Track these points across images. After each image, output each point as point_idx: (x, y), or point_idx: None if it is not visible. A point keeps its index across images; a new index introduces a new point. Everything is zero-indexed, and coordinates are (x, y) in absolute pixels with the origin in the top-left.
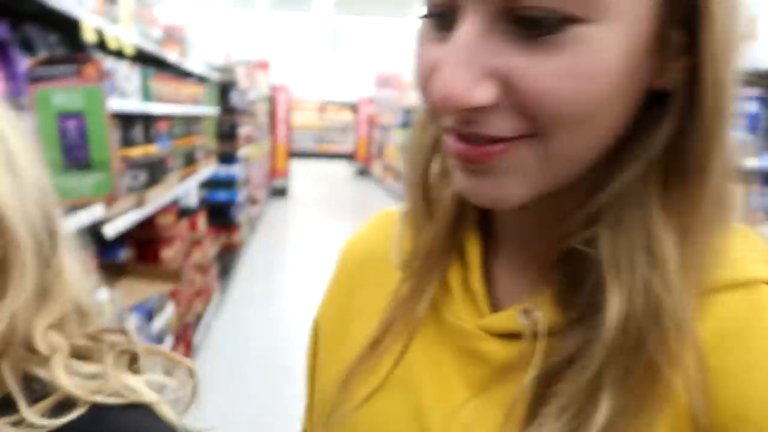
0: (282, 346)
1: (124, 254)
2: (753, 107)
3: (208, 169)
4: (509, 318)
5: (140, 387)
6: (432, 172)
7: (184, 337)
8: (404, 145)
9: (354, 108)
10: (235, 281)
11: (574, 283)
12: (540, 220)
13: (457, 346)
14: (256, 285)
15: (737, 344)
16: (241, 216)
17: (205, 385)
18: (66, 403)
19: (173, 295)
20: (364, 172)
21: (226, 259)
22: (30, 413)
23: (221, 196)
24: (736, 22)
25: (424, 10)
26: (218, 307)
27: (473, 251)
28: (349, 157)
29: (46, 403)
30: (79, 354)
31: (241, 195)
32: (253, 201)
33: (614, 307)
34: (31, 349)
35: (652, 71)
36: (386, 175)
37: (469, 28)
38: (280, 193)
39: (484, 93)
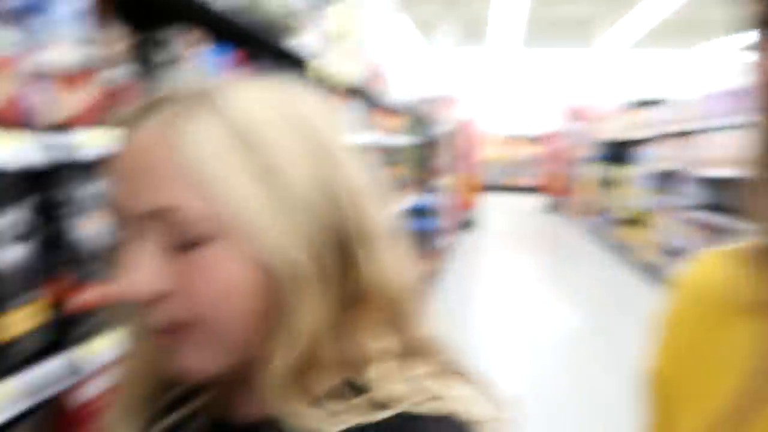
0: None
1: None
2: None
3: (410, 198)
4: None
5: (463, 399)
6: None
7: None
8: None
9: (540, 141)
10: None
11: None
12: None
13: None
14: (450, 314)
15: None
16: (439, 244)
17: None
18: (380, 404)
19: None
20: (553, 207)
21: (427, 286)
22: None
23: (422, 224)
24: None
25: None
26: None
27: None
28: (536, 190)
29: (363, 400)
30: (403, 355)
31: (438, 224)
32: (445, 231)
33: None
34: (346, 359)
35: None
36: (577, 211)
37: None
38: (467, 225)
39: None
